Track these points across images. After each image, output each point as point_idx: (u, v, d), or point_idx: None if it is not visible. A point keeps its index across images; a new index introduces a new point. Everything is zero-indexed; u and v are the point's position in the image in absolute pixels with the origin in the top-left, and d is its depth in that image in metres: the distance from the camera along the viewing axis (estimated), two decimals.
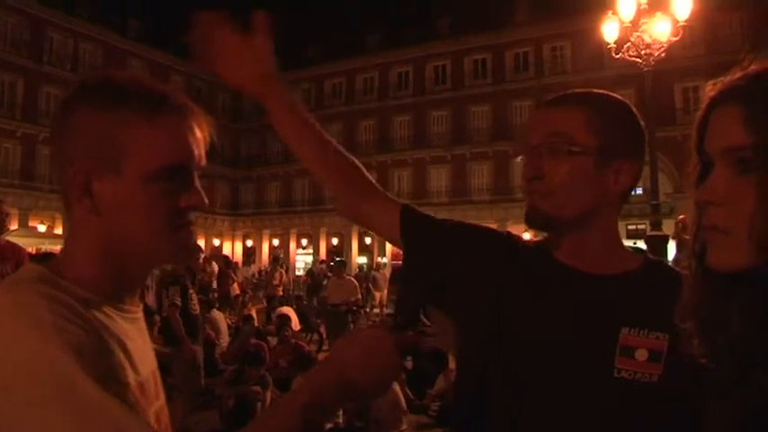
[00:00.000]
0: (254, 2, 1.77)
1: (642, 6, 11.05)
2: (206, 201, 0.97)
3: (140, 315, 1.02)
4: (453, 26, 37.80)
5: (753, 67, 0.80)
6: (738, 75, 0.81)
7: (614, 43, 11.42)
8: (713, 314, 0.83)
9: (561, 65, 34.65)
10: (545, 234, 1.34)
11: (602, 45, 12.71)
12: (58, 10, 33.97)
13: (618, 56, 11.56)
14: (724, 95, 0.81)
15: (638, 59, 11.46)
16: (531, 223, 1.27)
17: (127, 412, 0.78)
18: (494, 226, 1.36)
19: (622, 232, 1.30)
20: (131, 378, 0.88)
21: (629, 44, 11.38)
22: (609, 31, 11.42)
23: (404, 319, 1.28)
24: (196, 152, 0.96)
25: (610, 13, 11.42)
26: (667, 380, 1.14)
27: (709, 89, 0.84)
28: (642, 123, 1.27)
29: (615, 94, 1.31)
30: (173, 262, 0.91)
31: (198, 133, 0.97)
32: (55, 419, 0.73)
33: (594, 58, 28.95)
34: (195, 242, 1.00)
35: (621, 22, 11.21)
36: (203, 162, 0.97)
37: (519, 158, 1.29)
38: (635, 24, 11.15)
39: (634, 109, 1.28)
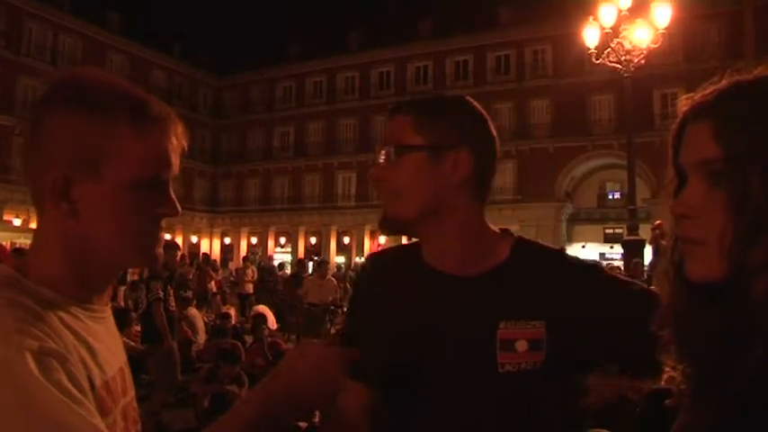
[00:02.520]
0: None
1: (623, 13, 11.17)
2: (179, 209, 1.00)
3: (108, 314, 1.03)
4: (435, 27, 37.83)
5: (723, 82, 0.82)
6: (710, 89, 0.83)
7: (595, 48, 11.53)
8: (691, 323, 0.84)
9: (542, 68, 34.85)
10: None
11: (583, 50, 12.84)
12: (38, 0, 33.55)
13: (598, 61, 11.67)
14: (696, 110, 0.83)
15: (618, 65, 11.58)
16: (383, 229, 1.31)
17: (84, 421, 0.78)
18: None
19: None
20: (97, 378, 0.89)
21: (609, 50, 11.49)
22: (590, 36, 11.52)
23: (349, 332, 1.26)
24: (174, 162, 0.99)
25: (591, 18, 11.51)
26: (550, 364, 1.18)
27: (683, 104, 0.86)
28: (479, 111, 1.30)
29: (447, 93, 1.38)
30: (139, 266, 0.96)
31: (175, 142, 0.99)
32: (9, 427, 0.74)
33: (575, 62, 29.17)
34: (161, 251, 1.02)
35: (602, 28, 11.33)
36: (177, 170, 1.00)
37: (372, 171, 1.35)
38: (616, 30, 11.26)
39: (469, 100, 1.31)
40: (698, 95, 0.84)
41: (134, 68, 37.29)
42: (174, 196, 1.00)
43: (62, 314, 0.89)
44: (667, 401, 0.89)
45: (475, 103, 1.31)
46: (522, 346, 1.18)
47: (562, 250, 1.32)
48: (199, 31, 43.62)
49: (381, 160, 1.29)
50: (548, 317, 1.19)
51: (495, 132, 1.30)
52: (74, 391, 0.79)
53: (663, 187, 0.91)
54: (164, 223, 1.00)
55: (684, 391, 0.85)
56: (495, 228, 1.32)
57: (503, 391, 1.17)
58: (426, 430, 1.21)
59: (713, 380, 0.79)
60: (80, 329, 0.91)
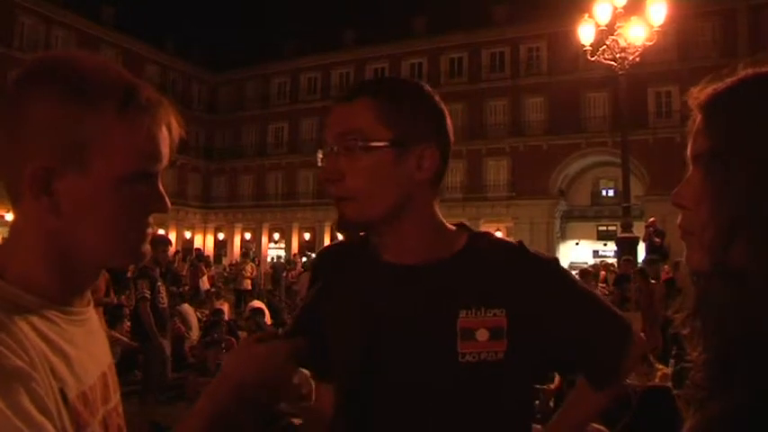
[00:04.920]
0: None
1: (618, 11, 11.17)
2: (169, 205, 0.92)
3: (90, 315, 0.94)
4: (430, 24, 37.79)
5: (720, 83, 0.83)
6: (711, 88, 0.84)
7: (590, 46, 11.53)
8: (701, 309, 0.83)
9: (537, 65, 34.83)
10: None
11: (578, 47, 12.83)
12: None
13: (593, 58, 11.68)
14: (699, 105, 0.84)
15: (612, 63, 11.58)
16: (342, 231, 1.24)
17: None
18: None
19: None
20: (72, 390, 0.81)
21: (604, 47, 11.50)
22: (585, 33, 11.52)
23: (291, 326, 1.26)
24: (165, 154, 0.91)
25: (586, 16, 11.52)
26: (513, 354, 1.15)
27: (693, 98, 0.86)
28: (439, 105, 1.24)
29: (408, 79, 1.27)
30: (125, 265, 0.88)
31: (166, 132, 0.91)
32: None
33: (570, 60, 29.19)
34: (148, 247, 0.94)
35: (597, 26, 11.34)
36: (167, 162, 0.93)
37: (319, 159, 1.24)
38: (611, 28, 11.27)
39: (429, 90, 1.24)
40: (703, 90, 0.85)
41: (127, 63, 37.10)
42: (163, 191, 0.92)
43: (35, 320, 0.81)
44: (677, 392, 0.87)
45: (434, 94, 1.24)
46: (482, 335, 1.15)
47: (520, 243, 1.28)
48: (193, 25, 43.42)
49: (334, 151, 1.19)
50: (508, 304, 1.17)
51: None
52: (35, 414, 0.71)
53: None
54: (152, 219, 0.92)
55: (699, 386, 0.82)
56: (447, 222, 1.29)
57: (463, 381, 1.15)
58: (387, 422, 1.18)
59: (726, 377, 0.77)
60: (55, 336, 0.82)
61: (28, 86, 0.84)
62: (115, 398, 0.96)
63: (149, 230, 0.92)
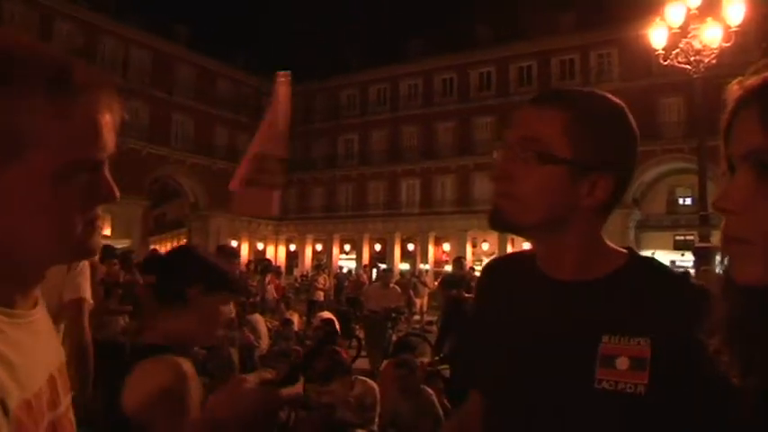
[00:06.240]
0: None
1: (692, 12, 10.83)
2: (117, 193, 0.84)
3: (37, 317, 0.87)
4: (496, 33, 37.62)
5: None
6: (758, 78, 0.75)
7: (662, 50, 11.21)
8: (745, 329, 0.75)
9: (608, 72, 34.18)
10: None
11: (649, 52, 12.48)
12: (108, 15, 34.80)
13: (666, 63, 11.34)
14: (745, 97, 0.74)
15: (687, 66, 11.22)
16: (493, 224, 1.20)
17: None
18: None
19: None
20: (14, 400, 0.74)
21: (677, 50, 11.16)
22: (657, 37, 11.22)
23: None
24: (108, 140, 0.82)
25: (658, 19, 11.21)
26: (656, 390, 1.05)
27: (734, 90, 0.76)
28: (634, 130, 1.17)
29: (610, 96, 1.20)
30: (72, 261, 0.83)
31: (108, 117, 0.82)
32: None
33: (642, 65, 28.50)
34: (99, 241, 0.86)
35: (670, 29, 11.01)
36: (113, 148, 0.84)
37: (495, 154, 1.21)
38: (684, 30, 10.93)
39: (628, 115, 1.17)
40: (748, 81, 0.75)
41: (201, 79, 38.48)
42: (110, 179, 0.83)
43: None
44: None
45: (628, 113, 1.18)
46: (623, 363, 1.08)
47: (686, 272, 1.20)
48: (262, 41, 44.44)
49: (510, 152, 1.17)
50: (655, 334, 1.08)
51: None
52: None
53: (716, 183, 0.83)
54: (100, 210, 0.84)
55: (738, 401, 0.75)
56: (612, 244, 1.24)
57: (596, 408, 1.08)
58: None
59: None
60: None
61: None
62: (66, 401, 0.90)
63: (98, 222, 0.84)
